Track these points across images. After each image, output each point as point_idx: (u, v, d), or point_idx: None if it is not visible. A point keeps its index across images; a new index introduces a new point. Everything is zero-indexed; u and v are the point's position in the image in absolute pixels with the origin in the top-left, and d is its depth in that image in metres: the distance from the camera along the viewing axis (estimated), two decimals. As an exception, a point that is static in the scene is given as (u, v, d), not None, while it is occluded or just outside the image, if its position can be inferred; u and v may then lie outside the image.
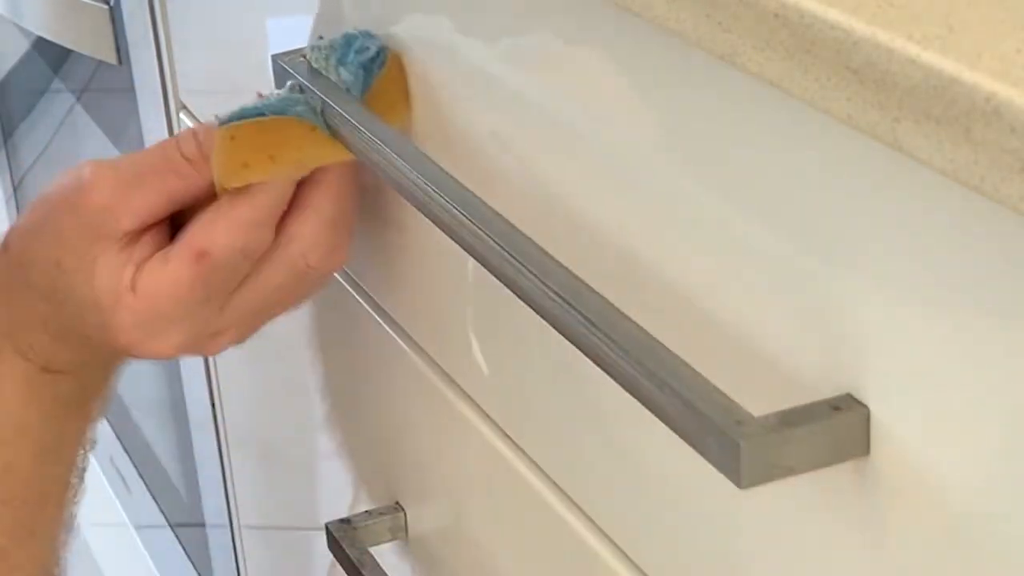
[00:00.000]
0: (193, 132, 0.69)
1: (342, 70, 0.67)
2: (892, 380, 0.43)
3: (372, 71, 0.67)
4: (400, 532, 0.78)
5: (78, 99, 1.41)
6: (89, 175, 0.69)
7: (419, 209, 0.59)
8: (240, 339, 0.71)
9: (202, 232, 0.67)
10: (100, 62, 1.19)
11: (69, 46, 1.27)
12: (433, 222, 0.58)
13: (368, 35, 0.68)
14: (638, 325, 0.49)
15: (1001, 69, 0.36)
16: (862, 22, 0.39)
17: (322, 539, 0.78)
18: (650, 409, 0.47)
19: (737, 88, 0.46)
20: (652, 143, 0.52)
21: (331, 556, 0.77)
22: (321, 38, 0.69)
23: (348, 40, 0.68)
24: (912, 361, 0.43)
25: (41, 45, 1.45)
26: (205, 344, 0.70)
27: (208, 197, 0.69)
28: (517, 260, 0.54)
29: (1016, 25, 0.38)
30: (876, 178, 0.42)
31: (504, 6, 0.59)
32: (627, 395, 0.48)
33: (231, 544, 1.18)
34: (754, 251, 0.48)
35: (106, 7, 1.14)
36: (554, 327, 0.52)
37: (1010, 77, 0.35)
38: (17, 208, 1.79)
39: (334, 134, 0.66)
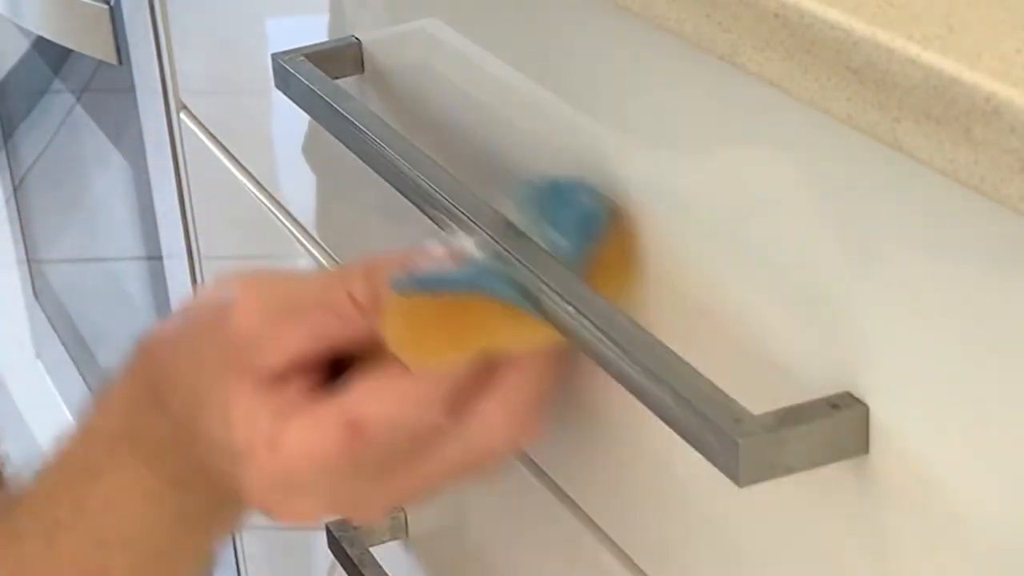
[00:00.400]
0: (365, 272, 0.59)
1: (551, 231, 0.54)
2: (891, 378, 0.44)
3: (591, 233, 0.54)
4: (400, 532, 0.78)
5: (78, 99, 1.41)
6: (240, 295, 0.60)
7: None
8: (391, 510, 0.63)
9: (361, 399, 0.57)
10: (100, 62, 1.19)
11: (69, 46, 1.27)
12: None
13: (584, 186, 0.55)
14: (638, 324, 0.49)
15: (1001, 69, 0.36)
16: (862, 22, 0.39)
17: (322, 539, 0.78)
18: (650, 407, 0.47)
19: (737, 88, 0.46)
20: (652, 143, 0.52)
21: (331, 556, 0.77)
22: (524, 185, 0.57)
23: (559, 191, 0.55)
24: (911, 360, 0.43)
25: (41, 45, 1.45)
26: (350, 512, 0.63)
27: (374, 347, 0.58)
28: (507, 250, 0.54)
29: (1016, 25, 0.38)
30: (876, 178, 0.42)
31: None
32: (627, 393, 0.48)
33: (231, 544, 1.18)
34: (754, 250, 0.48)
35: (106, 7, 1.15)
36: (554, 326, 0.52)
37: (1010, 77, 0.35)
38: (18, 208, 1.79)
39: (539, 313, 0.52)
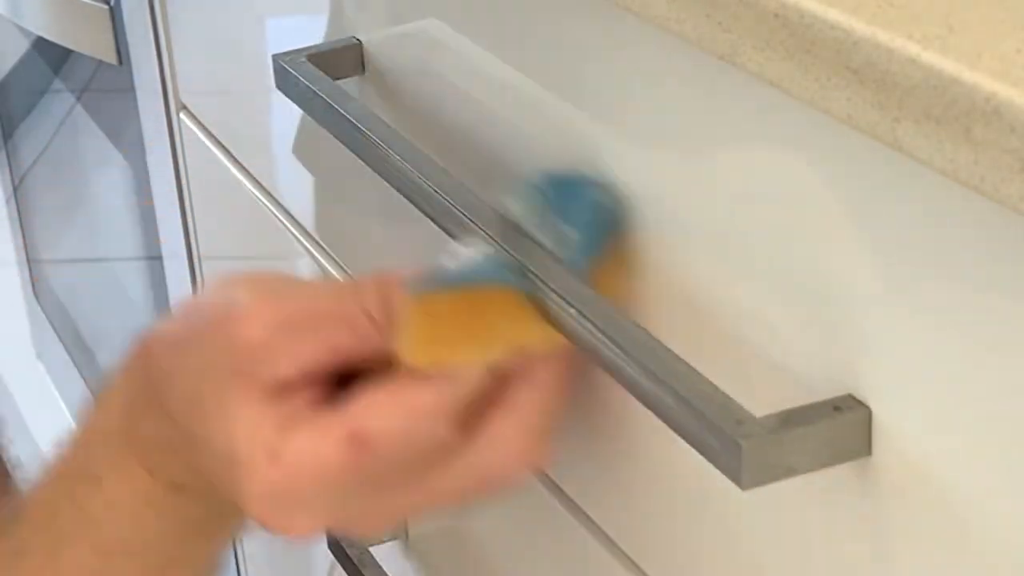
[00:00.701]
0: (379, 286, 0.58)
1: (564, 226, 0.53)
2: (893, 380, 0.43)
3: (604, 231, 0.53)
4: (400, 532, 0.78)
5: (78, 99, 1.41)
6: (247, 303, 0.58)
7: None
8: (395, 527, 0.61)
9: (367, 411, 0.55)
10: (100, 62, 1.19)
11: (69, 46, 1.27)
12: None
13: (594, 181, 0.54)
14: (640, 326, 0.49)
15: (1001, 69, 0.36)
16: (862, 22, 0.39)
17: (322, 539, 0.78)
18: (652, 410, 0.47)
19: (737, 88, 0.46)
20: (651, 143, 0.52)
21: (331, 556, 0.77)
22: (526, 180, 0.55)
23: (570, 185, 0.54)
24: (913, 361, 0.43)
25: (41, 45, 1.45)
26: (348, 529, 0.61)
27: (383, 362, 0.56)
28: (512, 253, 0.54)
29: (1016, 25, 0.38)
30: (876, 178, 0.42)
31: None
32: (629, 396, 0.48)
33: (231, 544, 1.18)
34: (756, 251, 0.48)
35: (106, 7, 1.14)
36: (556, 328, 0.52)
37: (1010, 77, 0.35)
38: (18, 208, 1.79)
39: (545, 312, 0.52)
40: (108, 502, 0.62)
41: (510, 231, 0.53)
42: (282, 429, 0.56)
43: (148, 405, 0.61)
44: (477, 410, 0.55)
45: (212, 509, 0.63)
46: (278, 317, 0.57)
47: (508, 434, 0.55)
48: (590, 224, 0.52)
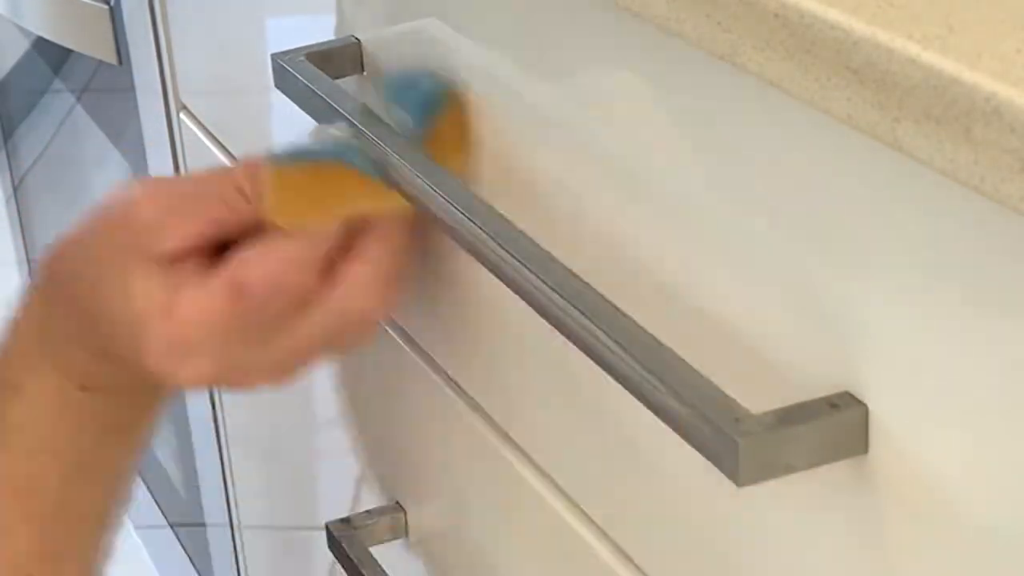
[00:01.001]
0: (247, 165, 0.68)
1: (398, 109, 0.64)
2: (891, 378, 0.44)
3: (431, 112, 0.63)
4: (400, 532, 0.78)
5: (78, 99, 1.41)
6: (138, 192, 0.68)
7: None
8: (276, 380, 0.69)
9: (243, 265, 0.65)
10: (100, 62, 1.19)
11: (69, 46, 1.27)
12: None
13: (427, 73, 0.65)
14: (636, 323, 0.49)
15: (1001, 69, 0.36)
16: (862, 22, 0.39)
17: (322, 539, 0.78)
18: (649, 407, 0.47)
19: (737, 88, 0.46)
20: (655, 144, 0.52)
21: (331, 556, 0.77)
22: (377, 75, 0.65)
23: (406, 78, 0.65)
24: (911, 359, 0.43)
25: (41, 45, 1.45)
26: (237, 379, 0.69)
27: (258, 231, 0.66)
28: (514, 255, 0.54)
29: (1016, 25, 0.38)
30: (876, 178, 0.42)
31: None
32: (626, 393, 0.48)
33: (231, 544, 1.18)
34: (754, 250, 0.48)
35: (106, 7, 1.15)
36: (553, 325, 0.52)
37: (1010, 77, 0.35)
38: (18, 208, 1.78)
39: (389, 182, 0.62)
40: (28, 409, 0.71)
41: (367, 118, 0.64)
42: (173, 289, 0.65)
43: (59, 305, 0.70)
44: (336, 258, 0.66)
45: (122, 410, 0.73)
46: (164, 199, 0.67)
47: (361, 279, 0.66)
48: (421, 105, 0.63)
